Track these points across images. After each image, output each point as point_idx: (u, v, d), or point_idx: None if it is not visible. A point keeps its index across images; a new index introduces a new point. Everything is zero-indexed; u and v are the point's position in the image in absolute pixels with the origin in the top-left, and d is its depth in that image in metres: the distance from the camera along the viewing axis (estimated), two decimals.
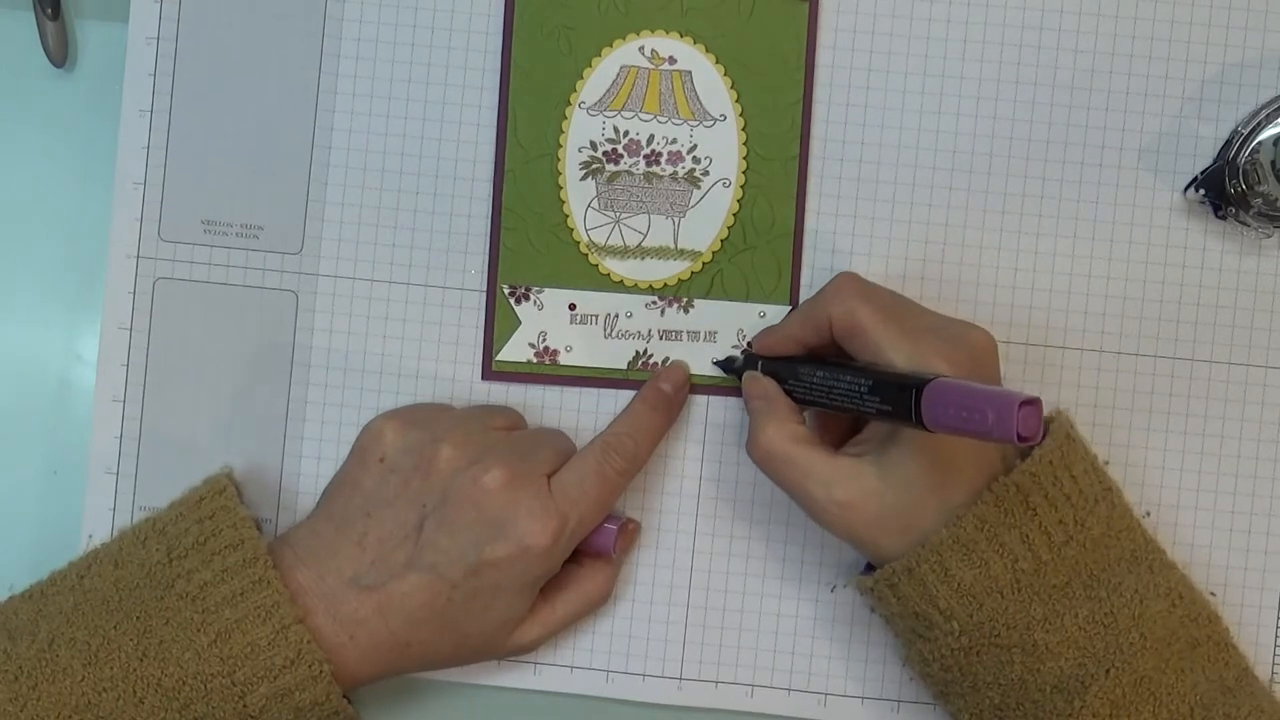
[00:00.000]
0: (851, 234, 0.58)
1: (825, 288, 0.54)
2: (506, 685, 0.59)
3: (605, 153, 0.58)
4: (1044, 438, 0.51)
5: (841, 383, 0.51)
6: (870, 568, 0.54)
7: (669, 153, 0.58)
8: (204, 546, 0.51)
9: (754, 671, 0.58)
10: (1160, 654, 0.50)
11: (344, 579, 0.51)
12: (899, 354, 0.50)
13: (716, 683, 0.58)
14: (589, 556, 0.56)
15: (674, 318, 0.58)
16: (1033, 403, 0.43)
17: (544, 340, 0.58)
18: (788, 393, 0.54)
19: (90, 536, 0.58)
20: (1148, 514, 0.57)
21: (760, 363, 0.56)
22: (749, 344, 0.58)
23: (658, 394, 0.56)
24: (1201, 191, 0.57)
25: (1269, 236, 0.57)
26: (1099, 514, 0.51)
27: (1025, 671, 0.50)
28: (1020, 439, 0.43)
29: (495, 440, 0.53)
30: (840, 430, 0.56)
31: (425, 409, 0.57)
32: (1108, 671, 0.49)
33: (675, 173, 0.58)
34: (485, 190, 0.58)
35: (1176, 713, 0.49)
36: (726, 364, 0.58)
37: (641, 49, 0.58)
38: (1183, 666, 0.50)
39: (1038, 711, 0.50)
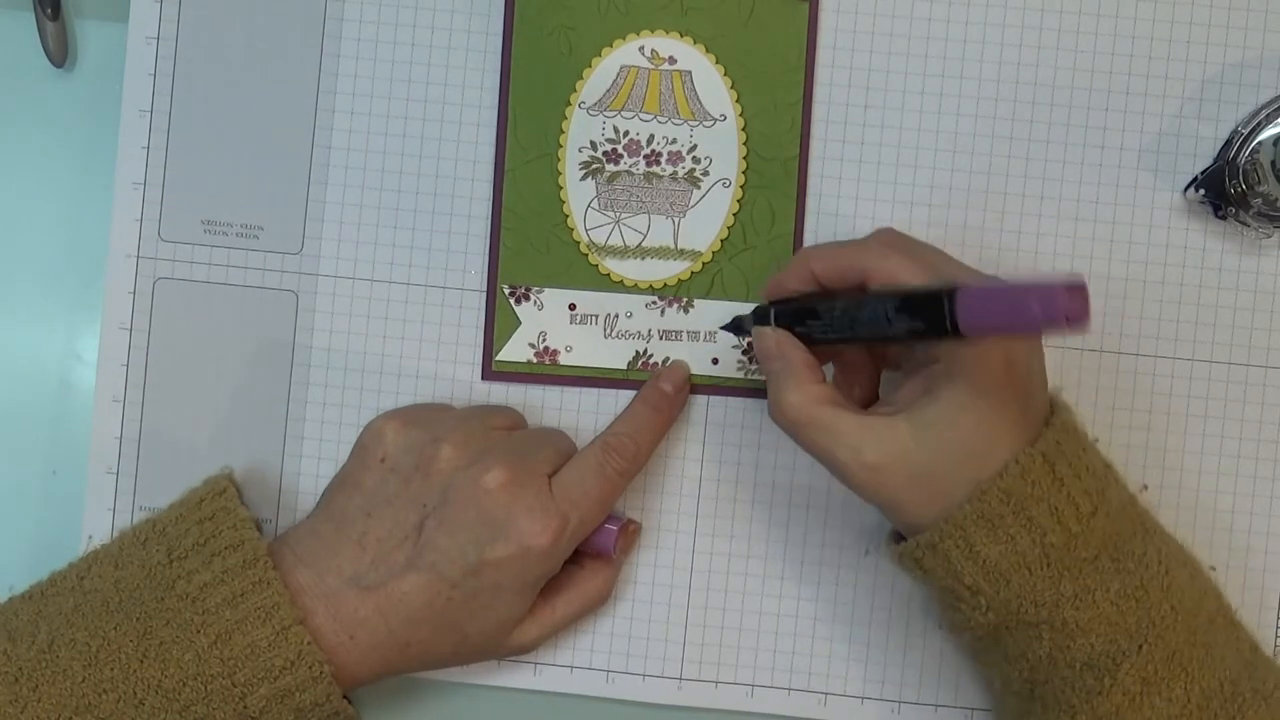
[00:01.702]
0: (851, 233, 0.58)
1: (865, 239, 0.51)
2: (506, 685, 0.59)
3: (605, 153, 0.58)
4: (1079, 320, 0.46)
5: (865, 310, 0.48)
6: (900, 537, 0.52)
7: (669, 153, 0.58)
8: (204, 548, 0.51)
9: (754, 671, 0.58)
10: (1189, 626, 0.48)
11: (344, 578, 0.51)
12: (854, 259, 0.49)
13: (716, 683, 0.58)
14: (589, 557, 0.56)
15: (674, 318, 0.58)
16: (1078, 287, 0.40)
17: (544, 340, 0.58)
18: (803, 338, 0.51)
19: (90, 537, 0.58)
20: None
21: (773, 314, 0.53)
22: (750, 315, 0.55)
23: (658, 394, 0.56)
24: (1201, 191, 0.57)
25: (1269, 236, 0.57)
26: (1112, 483, 0.50)
27: (1054, 649, 0.48)
28: (1069, 322, 0.40)
29: (496, 440, 0.53)
30: (865, 384, 0.54)
31: (426, 409, 0.57)
32: (1140, 647, 0.48)
33: (675, 173, 0.58)
34: (485, 190, 0.58)
35: (1207, 688, 0.48)
36: (734, 326, 0.56)
37: (641, 49, 0.58)
38: (1209, 640, 0.49)
39: (1066, 688, 0.49)
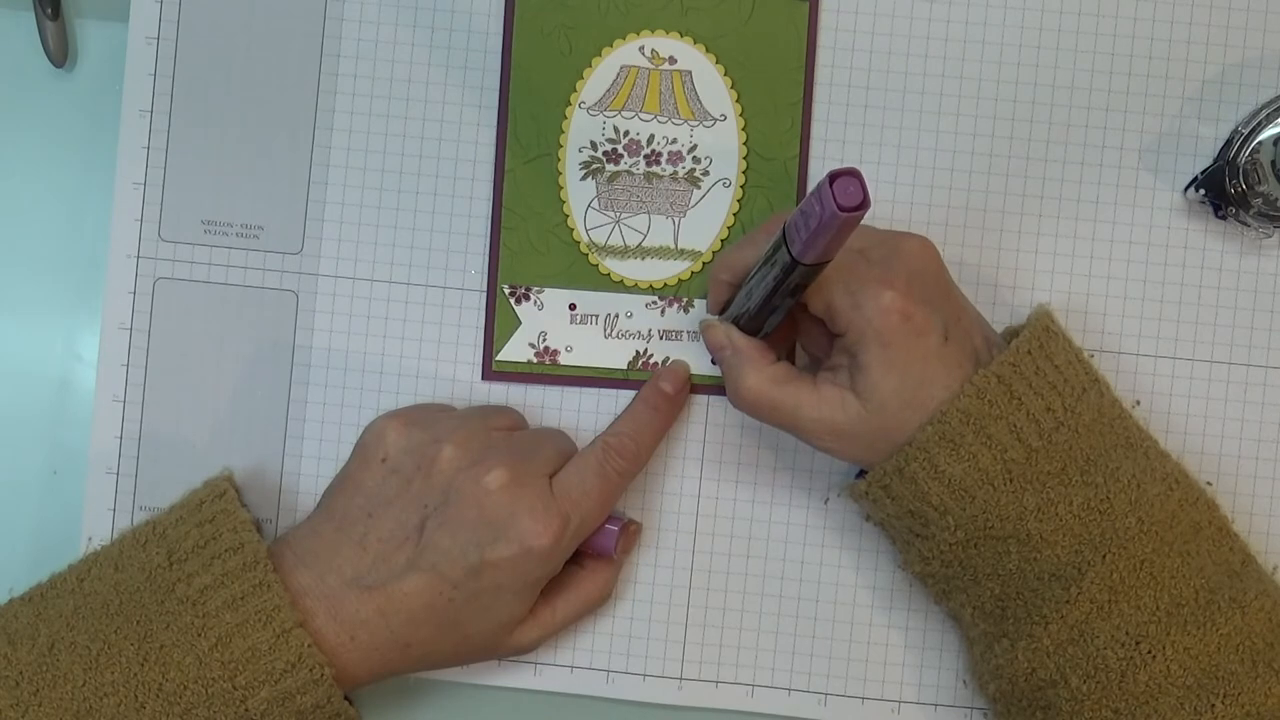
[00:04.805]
0: None
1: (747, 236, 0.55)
2: (506, 685, 0.59)
3: (605, 153, 0.58)
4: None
5: (751, 278, 0.52)
6: (864, 474, 0.54)
7: (669, 153, 0.58)
8: (204, 550, 0.51)
9: (754, 671, 0.58)
10: (1161, 537, 0.50)
11: (345, 579, 0.51)
12: (837, 288, 0.51)
13: (716, 683, 0.58)
14: (589, 557, 0.56)
15: (674, 318, 0.58)
16: (850, 173, 0.43)
17: (544, 340, 0.58)
18: (746, 330, 0.54)
19: (90, 538, 0.58)
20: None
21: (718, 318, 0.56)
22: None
23: (659, 394, 0.56)
24: (1201, 191, 0.57)
25: (1269, 236, 0.57)
26: (1089, 401, 0.51)
27: (1022, 561, 0.50)
28: (842, 209, 0.43)
29: (497, 440, 0.53)
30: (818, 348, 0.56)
31: (427, 409, 0.57)
32: (1104, 557, 0.49)
33: (675, 173, 0.58)
34: (485, 190, 0.58)
35: (1180, 596, 0.49)
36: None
37: (642, 49, 0.57)
38: (1187, 550, 0.50)
39: (1036, 599, 0.50)
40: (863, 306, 0.50)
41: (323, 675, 0.49)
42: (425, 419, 0.54)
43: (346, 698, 0.51)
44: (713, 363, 0.58)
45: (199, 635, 0.49)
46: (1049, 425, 0.50)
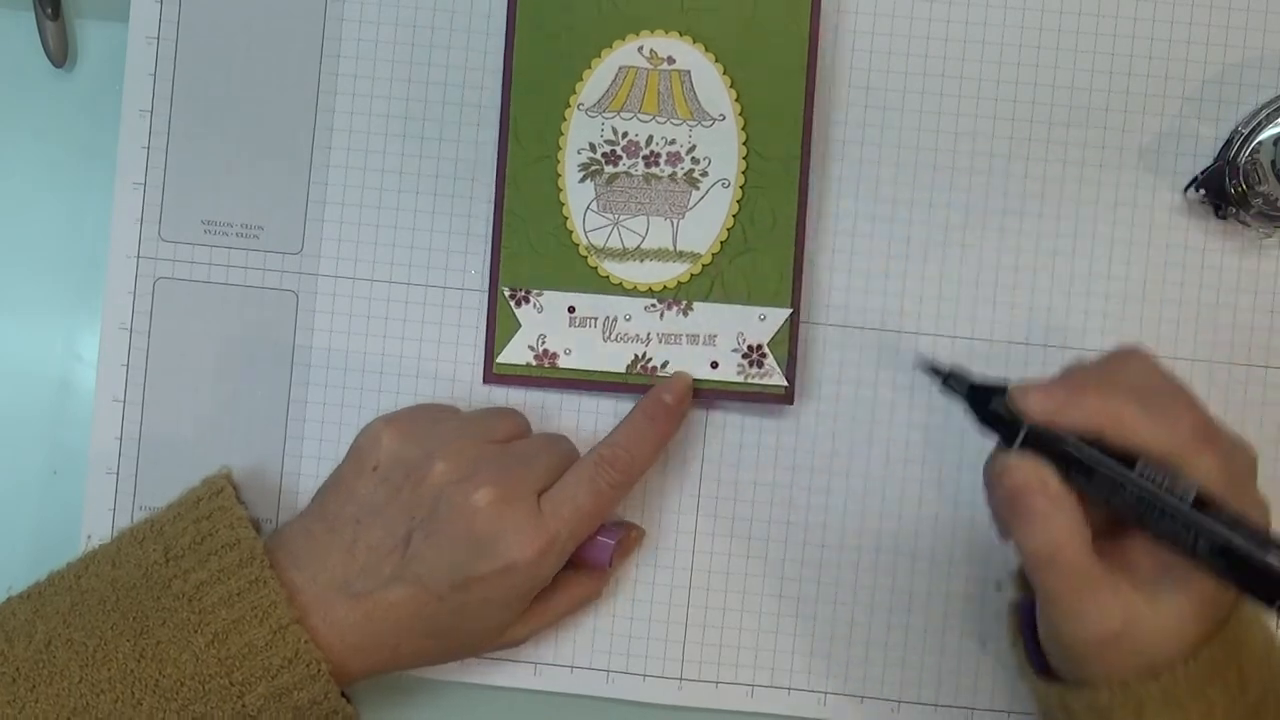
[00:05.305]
0: (852, 234, 0.58)
1: (1160, 409, 0.46)
2: (506, 685, 0.59)
3: (604, 154, 0.58)
4: None
5: (1170, 520, 0.44)
6: (1024, 618, 0.51)
7: (668, 153, 0.58)
8: (200, 546, 0.51)
9: (754, 671, 0.58)
10: None
11: (334, 584, 0.51)
12: (1156, 440, 0.45)
13: (717, 683, 0.58)
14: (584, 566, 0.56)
15: (673, 321, 0.58)
16: None
17: (543, 343, 0.58)
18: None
19: (89, 537, 0.58)
20: None
21: (1025, 431, 0.45)
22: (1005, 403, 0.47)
23: (658, 405, 0.56)
24: (1201, 191, 0.57)
25: (1269, 236, 0.57)
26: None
27: None
28: None
29: (490, 455, 0.53)
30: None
31: (426, 415, 0.55)
32: None
33: (674, 173, 0.58)
34: (485, 191, 0.58)
35: None
36: (954, 381, 0.49)
37: (640, 49, 0.57)
38: None
39: None
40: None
41: (319, 671, 0.49)
42: (421, 430, 0.53)
43: (344, 694, 0.51)
44: (709, 361, 0.58)
45: (195, 631, 0.49)
46: (1256, 687, 0.47)
